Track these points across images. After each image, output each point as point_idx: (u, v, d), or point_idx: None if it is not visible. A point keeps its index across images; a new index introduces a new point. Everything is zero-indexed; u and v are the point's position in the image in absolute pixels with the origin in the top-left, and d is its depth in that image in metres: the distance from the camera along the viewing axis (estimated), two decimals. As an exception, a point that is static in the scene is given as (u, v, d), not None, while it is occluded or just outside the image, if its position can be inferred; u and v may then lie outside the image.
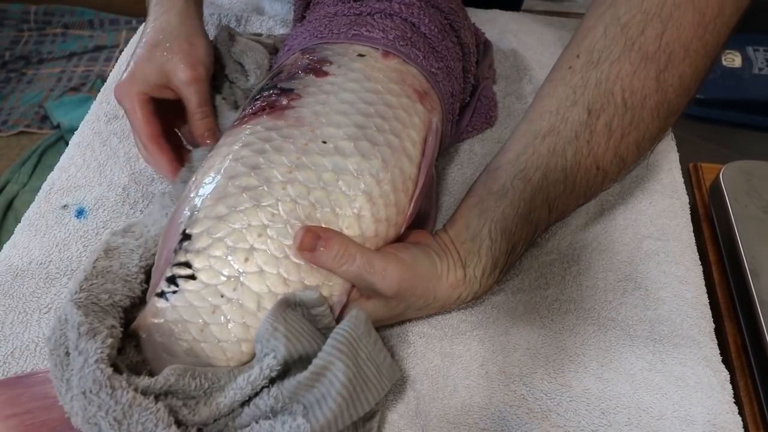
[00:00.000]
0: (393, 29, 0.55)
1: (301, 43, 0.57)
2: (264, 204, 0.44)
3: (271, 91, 0.51)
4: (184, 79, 0.57)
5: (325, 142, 0.46)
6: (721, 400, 0.47)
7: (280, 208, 0.44)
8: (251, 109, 0.50)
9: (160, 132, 0.56)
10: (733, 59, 1.16)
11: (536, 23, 0.81)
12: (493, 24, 0.80)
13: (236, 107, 0.61)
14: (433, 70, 0.55)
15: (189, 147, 0.60)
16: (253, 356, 0.44)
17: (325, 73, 0.51)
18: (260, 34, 0.71)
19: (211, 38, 0.64)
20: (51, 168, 0.63)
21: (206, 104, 0.58)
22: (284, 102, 0.49)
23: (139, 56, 0.57)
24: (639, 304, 0.52)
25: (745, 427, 0.49)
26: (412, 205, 0.49)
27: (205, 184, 0.46)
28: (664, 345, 0.50)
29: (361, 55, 0.53)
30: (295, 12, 0.67)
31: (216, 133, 0.58)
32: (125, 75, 0.56)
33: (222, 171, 0.46)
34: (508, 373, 0.48)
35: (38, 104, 1.58)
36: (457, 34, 0.60)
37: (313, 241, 0.42)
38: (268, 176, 0.45)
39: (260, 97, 0.51)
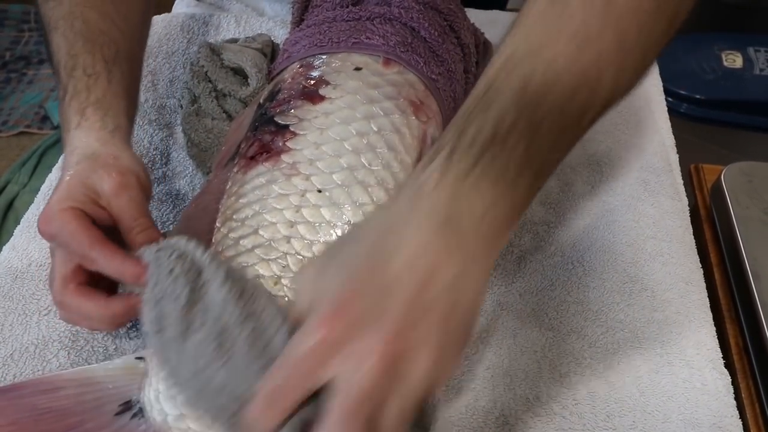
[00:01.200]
0: (393, 35, 0.55)
1: (300, 51, 0.57)
2: (273, 257, 0.46)
3: (268, 127, 0.52)
4: (112, 187, 0.45)
5: (320, 191, 0.48)
6: (726, 403, 0.47)
7: (289, 261, 0.46)
8: (251, 148, 0.52)
9: (99, 236, 0.44)
10: (734, 60, 1.16)
11: (537, 24, 0.81)
12: (493, 24, 0.79)
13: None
14: (433, 76, 0.55)
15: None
16: None
17: (321, 98, 0.52)
18: (236, 40, 0.70)
19: (195, 50, 0.63)
20: (51, 168, 0.63)
21: (144, 216, 0.46)
22: (280, 144, 0.50)
23: (59, 182, 0.46)
24: (646, 306, 0.52)
25: (747, 429, 0.49)
26: None
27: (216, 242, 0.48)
28: (671, 347, 0.50)
29: (358, 69, 0.54)
30: (293, 15, 0.67)
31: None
32: (47, 204, 0.45)
33: (229, 233, 0.48)
34: (513, 375, 0.48)
35: (38, 105, 1.58)
36: (457, 35, 0.60)
37: None
38: (272, 233, 0.47)
39: (258, 131, 0.52)
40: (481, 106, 0.36)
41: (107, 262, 0.43)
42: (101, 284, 0.46)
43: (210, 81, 0.62)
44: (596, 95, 0.39)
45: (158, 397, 0.43)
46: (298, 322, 0.34)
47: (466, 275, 0.34)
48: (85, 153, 0.47)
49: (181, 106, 0.62)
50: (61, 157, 0.59)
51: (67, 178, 0.46)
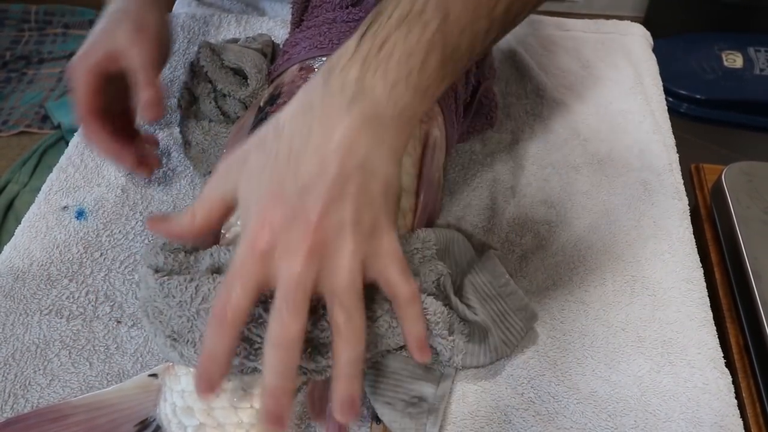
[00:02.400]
0: None
1: (300, 53, 0.57)
2: None
3: None
4: (127, 42, 0.52)
5: None
6: (728, 402, 0.47)
7: None
8: None
9: (100, 108, 0.53)
10: (734, 60, 1.16)
11: (536, 23, 0.81)
12: (494, 24, 0.80)
13: (233, 121, 0.62)
14: None
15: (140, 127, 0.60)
16: None
17: None
18: (236, 40, 0.70)
19: (196, 49, 0.63)
20: (51, 168, 0.63)
21: (152, 69, 0.53)
22: None
23: (96, 28, 0.55)
24: (647, 305, 0.52)
25: (747, 428, 0.49)
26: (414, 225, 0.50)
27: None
28: (672, 346, 0.50)
29: None
30: (292, 16, 0.67)
31: (159, 105, 0.52)
32: (80, 49, 0.54)
33: (235, 238, 0.47)
34: (516, 375, 0.48)
35: (39, 104, 1.58)
36: (458, 35, 0.60)
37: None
38: None
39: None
40: None
41: (94, 132, 0.54)
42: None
43: (210, 81, 0.61)
44: None
45: (175, 411, 0.43)
46: (216, 201, 0.38)
47: (374, 156, 0.36)
48: (119, 7, 0.55)
49: (180, 107, 0.62)
50: (65, 152, 0.61)
51: (99, 31, 0.54)
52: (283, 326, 0.34)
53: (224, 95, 0.62)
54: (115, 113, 0.56)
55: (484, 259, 0.49)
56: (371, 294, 0.44)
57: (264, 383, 0.35)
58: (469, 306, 0.46)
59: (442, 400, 0.46)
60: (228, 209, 0.39)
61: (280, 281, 0.35)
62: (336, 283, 0.35)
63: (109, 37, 0.53)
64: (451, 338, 0.44)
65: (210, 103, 0.61)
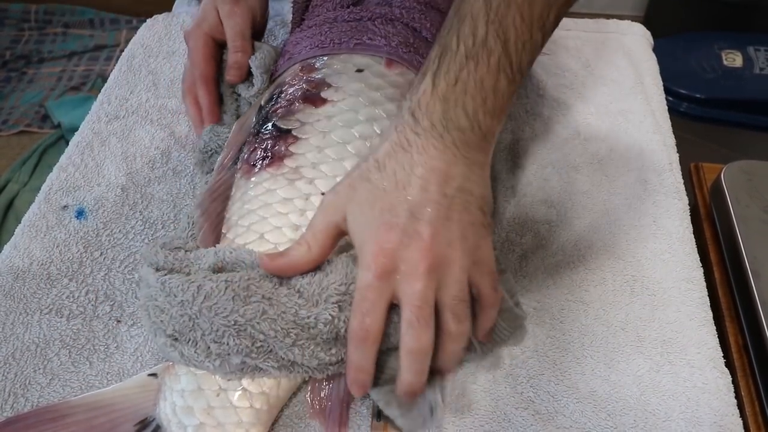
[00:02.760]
0: (395, 35, 0.55)
1: (301, 53, 0.57)
2: None
3: (271, 131, 0.52)
4: (226, 12, 0.61)
5: (324, 194, 0.48)
6: (727, 402, 0.47)
7: None
8: (253, 153, 0.52)
9: (215, 76, 0.61)
10: (734, 59, 1.16)
11: (537, 23, 0.81)
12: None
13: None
14: None
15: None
16: None
17: (323, 101, 0.52)
18: None
19: None
20: (52, 167, 0.63)
21: (241, 39, 0.61)
22: (282, 149, 0.51)
23: (201, 7, 0.63)
24: (647, 304, 0.52)
25: (746, 427, 0.49)
26: None
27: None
28: (672, 346, 0.50)
29: (360, 70, 0.54)
30: (293, 16, 0.67)
31: (241, 69, 0.61)
32: (197, 14, 0.63)
33: (235, 239, 0.48)
34: (515, 374, 0.48)
35: (39, 104, 1.58)
36: (459, 35, 0.60)
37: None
38: (278, 237, 0.47)
39: (260, 136, 0.53)
40: (457, 22, 0.41)
41: (202, 98, 0.60)
42: None
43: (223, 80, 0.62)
44: None
45: (175, 411, 0.43)
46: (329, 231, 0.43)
47: (470, 177, 0.42)
48: None
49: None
50: (65, 151, 0.61)
51: (208, 1, 0.62)
52: (417, 338, 0.40)
53: (237, 94, 0.63)
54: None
55: None
56: None
57: (402, 381, 0.42)
58: None
59: (443, 391, 0.46)
60: (338, 236, 0.43)
61: (405, 298, 0.40)
62: (449, 295, 0.41)
63: (213, 9, 0.62)
64: None
65: (232, 104, 0.61)
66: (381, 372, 0.45)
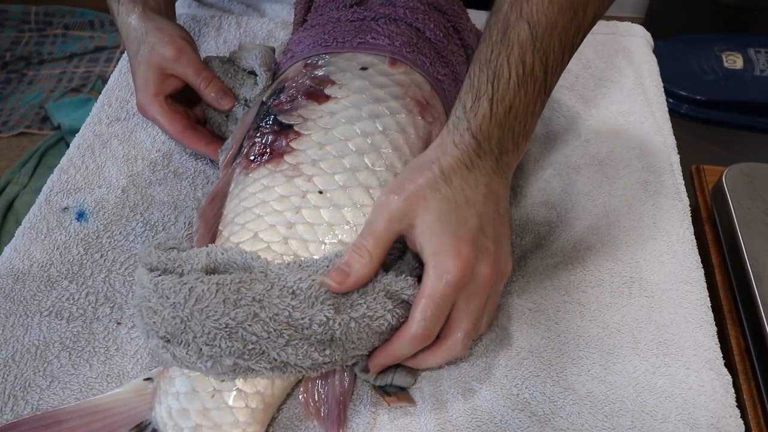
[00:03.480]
0: (399, 35, 0.55)
1: (304, 51, 0.57)
2: (270, 259, 0.46)
3: (272, 126, 0.52)
4: (170, 57, 0.58)
5: (321, 192, 0.48)
6: (724, 403, 0.47)
7: (285, 261, 0.46)
8: (253, 147, 0.52)
9: (186, 124, 0.59)
10: (734, 61, 1.16)
11: (538, 25, 0.81)
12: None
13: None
14: (439, 76, 0.55)
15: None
16: None
17: (326, 98, 0.52)
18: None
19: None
20: (51, 169, 0.63)
21: (203, 71, 0.59)
22: (283, 144, 0.51)
23: (133, 71, 0.61)
24: (644, 306, 0.52)
25: (749, 429, 0.49)
26: None
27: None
28: (668, 348, 0.50)
29: (364, 68, 0.53)
30: (295, 16, 0.67)
31: (226, 91, 0.60)
32: (136, 90, 0.60)
33: (230, 236, 0.48)
34: (511, 376, 0.48)
35: (39, 105, 1.58)
36: (461, 36, 0.60)
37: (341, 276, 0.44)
38: (271, 236, 0.47)
39: (260, 130, 0.52)
40: (504, 48, 0.44)
41: (194, 145, 0.59)
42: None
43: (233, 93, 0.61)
44: (586, 15, 0.45)
45: (171, 414, 0.43)
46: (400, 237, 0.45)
47: (507, 198, 0.47)
48: (133, 36, 0.60)
49: (221, 134, 0.62)
50: (66, 153, 0.61)
51: (137, 67, 0.59)
52: (465, 348, 0.45)
53: (247, 99, 0.62)
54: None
55: None
56: (373, 294, 0.44)
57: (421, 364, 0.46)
58: None
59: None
60: (396, 237, 0.45)
61: (469, 309, 0.44)
62: (489, 311, 0.47)
63: (151, 65, 0.59)
64: None
65: (243, 110, 0.60)
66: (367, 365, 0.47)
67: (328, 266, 0.44)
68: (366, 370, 0.47)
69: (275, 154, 0.50)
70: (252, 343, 0.42)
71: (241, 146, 0.54)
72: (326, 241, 0.47)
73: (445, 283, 0.42)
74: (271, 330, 0.42)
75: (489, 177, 0.45)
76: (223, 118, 0.61)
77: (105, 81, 0.69)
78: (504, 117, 0.44)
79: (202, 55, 0.63)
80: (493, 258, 0.44)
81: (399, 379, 0.47)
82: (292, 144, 0.50)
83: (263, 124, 0.53)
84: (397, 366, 0.47)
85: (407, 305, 0.45)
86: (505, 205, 0.46)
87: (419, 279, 0.46)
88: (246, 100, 0.60)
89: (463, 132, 0.45)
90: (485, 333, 0.50)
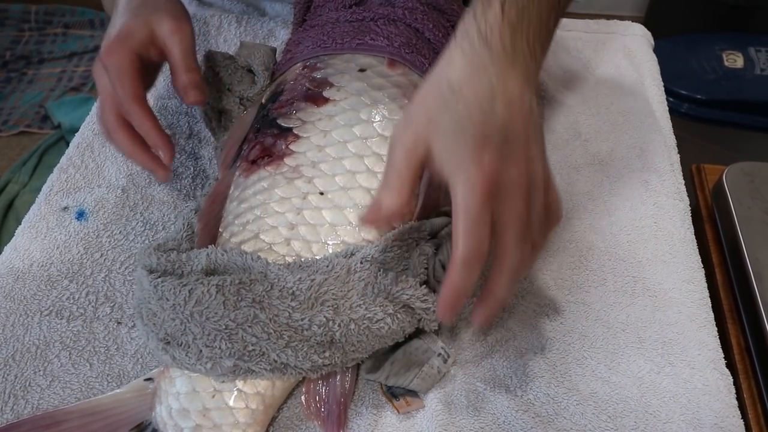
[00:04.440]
0: (398, 36, 0.55)
1: (303, 51, 0.57)
2: (271, 260, 0.46)
3: (271, 129, 0.52)
4: (168, 29, 0.54)
5: (322, 193, 0.48)
6: (728, 403, 0.47)
7: (288, 262, 0.46)
8: (253, 150, 0.52)
9: (142, 95, 0.53)
10: (735, 60, 1.16)
11: (538, 24, 0.81)
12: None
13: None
14: None
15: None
16: None
17: (325, 100, 0.52)
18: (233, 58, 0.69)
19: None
20: (52, 168, 0.63)
21: (191, 56, 0.55)
22: (282, 147, 0.51)
23: (126, 16, 0.55)
24: (648, 306, 0.52)
25: (749, 429, 0.49)
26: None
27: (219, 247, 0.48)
28: (672, 347, 0.50)
29: (362, 70, 0.54)
30: (295, 16, 0.67)
31: (201, 88, 0.55)
32: (114, 33, 0.54)
33: (231, 237, 0.48)
34: (515, 377, 0.48)
35: (39, 104, 1.58)
36: (461, 36, 0.60)
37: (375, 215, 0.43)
38: (273, 237, 0.47)
39: (260, 133, 0.52)
40: None
41: (140, 120, 0.52)
42: None
43: (229, 90, 0.61)
44: None
45: (171, 414, 0.43)
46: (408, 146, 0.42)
47: (533, 100, 0.43)
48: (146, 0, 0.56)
49: (212, 130, 0.61)
50: (66, 152, 0.60)
51: (131, 16, 0.54)
52: (521, 253, 0.41)
53: (242, 98, 0.62)
54: None
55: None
56: (373, 296, 0.44)
57: (491, 293, 0.42)
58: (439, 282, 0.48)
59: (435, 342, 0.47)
60: (421, 172, 0.42)
61: (510, 219, 0.40)
62: (536, 212, 0.42)
63: (147, 23, 0.54)
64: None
65: (238, 109, 0.60)
66: (381, 363, 0.46)
67: (328, 267, 0.44)
68: (373, 371, 0.47)
69: (275, 156, 0.50)
70: (252, 345, 0.42)
71: (241, 149, 0.54)
72: (329, 242, 0.47)
73: (474, 194, 0.39)
74: (271, 331, 0.42)
75: (504, 79, 0.42)
76: (215, 113, 0.61)
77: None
78: (516, 20, 0.42)
79: (202, 53, 0.63)
80: (521, 160, 0.40)
81: (416, 383, 0.46)
82: (291, 147, 0.50)
83: (263, 127, 0.53)
84: (410, 367, 0.47)
85: (409, 309, 0.45)
86: (527, 106, 0.42)
87: (424, 283, 0.46)
88: (242, 99, 0.60)
89: (472, 37, 0.42)
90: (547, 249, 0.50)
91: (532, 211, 0.41)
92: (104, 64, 0.53)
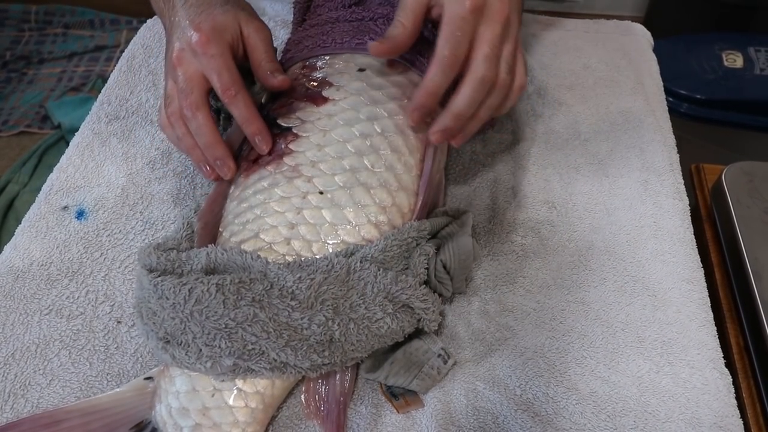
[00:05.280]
0: None
1: (302, 51, 0.57)
2: (271, 259, 0.46)
3: (271, 128, 0.52)
4: (255, 27, 0.54)
5: (322, 193, 0.48)
6: (727, 403, 0.47)
7: (287, 261, 0.46)
8: (253, 150, 0.52)
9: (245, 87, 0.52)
10: (734, 60, 1.16)
11: (537, 24, 0.81)
12: (494, 24, 0.80)
13: None
14: None
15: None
16: None
17: (324, 100, 0.52)
18: None
19: None
20: (52, 168, 0.63)
21: (272, 50, 0.56)
22: (282, 147, 0.51)
23: (212, 11, 0.53)
24: (647, 305, 0.52)
25: (748, 428, 0.49)
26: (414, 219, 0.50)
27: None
28: (672, 347, 0.50)
29: (361, 70, 0.54)
30: (294, 16, 0.67)
31: (282, 72, 0.55)
32: (207, 25, 0.52)
33: (231, 237, 0.48)
34: (514, 376, 0.48)
35: (39, 104, 1.58)
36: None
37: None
38: (273, 236, 0.47)
39: None
40: None
41: (245, 106, 0.51)
42: None
43: None
44: None
45: (171, 413, 0.43)
46: None
47: None
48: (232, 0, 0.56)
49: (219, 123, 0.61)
50: (65, 152, 0.61)
51: (220, 12, 0.53)
52: (490, 69, 0.47)
53: None
54: None
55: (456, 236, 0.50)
56: (372, 295, 0.44)
57: (456, 104, 0.47)
58: (441, 282, 0.48)
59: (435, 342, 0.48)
60: (427, 7, 0.49)
61: (485, 36, 0.47)
62: (508, 50, 0.48)
63: (236, 19, 0.53)
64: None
65: None
66: (380, 363, 0.46)
67: (328, 266, 0.44)
68: (372, 370, 0.47)
69: (275, 156, 0.51)
70: (251, 344, 0.42)
71: (241, 148, 0.54)
72: (329, 241, 0.47)
73: (462, 6, 0.45)
74: (271, 330, 0.42)
75: None
76: (215, 113, 0.61)
77: (105, 80, 0.69)
78: None
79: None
80: (505, 1, 0.47)
81: (416, 384, 0.46)
82: (291, 146, 0.50)
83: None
84: (410, 367, 0.47)
85: (408, 309, 0.45)
86: None
87: (425, 283, 0.46)
88: None
89: None
90: (519, 96, 0.52)
91: (504, 44, 0.48)
92: (199, 51, 0.51)
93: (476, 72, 0.46)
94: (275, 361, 0.43)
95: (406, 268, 0.47)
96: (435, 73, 0.47)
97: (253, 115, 0.51)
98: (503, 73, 0.48)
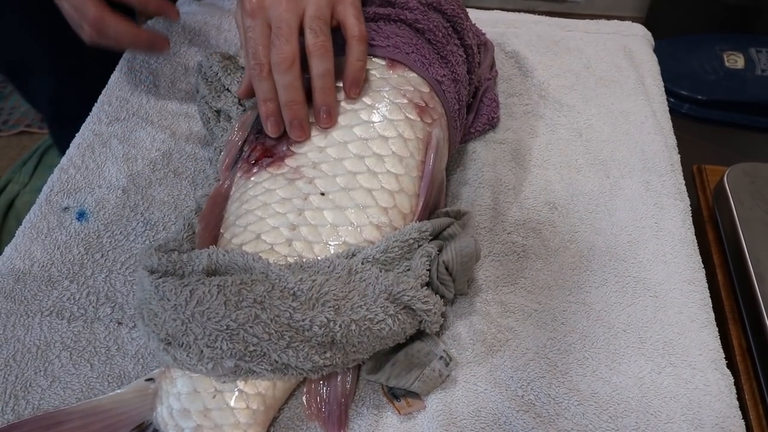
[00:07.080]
0: (397, 36, 0.55)
1: None
2: (273, 260, 0.46)
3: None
4: None
5: (323, 194, 0.48)
6: (729, 404, 0.47)
7: (289, 263, 0.46)
8: (254, 152, 0.52)
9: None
10: (735, 61, 1.16)
11: (538, 24, 0.81)
12: (494, 25, 0.80)
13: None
14: (438, 78, 0.55)
15: None
16: None
17: None
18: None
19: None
20: (52, 168, 0.63)
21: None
22: (283, 148, 0.51)
23: None
24: (649, 306, 0.52)
25: (750, 429, 0.49)
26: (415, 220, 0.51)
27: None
28: (673, 348, 0.50)
29: None
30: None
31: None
32: None
33: (232, 239, 0.48)
34: (516, 377, 0.48)
35: (39, 104, 1.58)
36: (460, 37, 0.60)
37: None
38: (275, 238, 0.47)
39: (260, 134, 0.52)
40: None
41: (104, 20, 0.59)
42: None
43: (228, 90, 0.61)
44: None
45: (172, 414, 0.43)
46: None
47: None
48: None
49: (209, 130, 0.61)
50: (66, 153, 0.61)
51: None
52: (280, 50, 0.48)
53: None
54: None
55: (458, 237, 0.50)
56: (374, 296, 0.44)
57: (282, 102, 0.49)
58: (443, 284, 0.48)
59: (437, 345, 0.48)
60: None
61: (273, 23, 0.48)
62: (308, 16, 0.49)
63: None
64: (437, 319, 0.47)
65: (237, 109, 0.60)
66: (382, 364, 0.46)
67: (329, 267, 0.44)
68: (374, 372, 0.47)
69: (276, 157, 0.51)
70: (253, 345, 0.42)
71: (242, 150, 0.54)
72: (330, 242, 0.47)
73: (245, 17, 0.49)
74: (272, 332, 0.42)
75: None
76: (214, 114, 0.61)
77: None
78: None
79: (202, 53, 0.63)
80: None
81: (417, 385, 0.46)
82: (292, 148, 0.51)
83: (263, 128, 0.53)
84: (412, 369, 0.47)
85: (410, 310, 0.45)
86: None
87: (426, 285, 0.46)
88: (241, 99, 0.60)
89: None
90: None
91: (303, 18, 0.49)
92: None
93: (273, 58, 0.48)
94: (277, 362, 0.43)
95: (408, 270, 0.47)
96: (256, 85, 0.50)
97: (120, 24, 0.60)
98: (309, 38, 0.49)
